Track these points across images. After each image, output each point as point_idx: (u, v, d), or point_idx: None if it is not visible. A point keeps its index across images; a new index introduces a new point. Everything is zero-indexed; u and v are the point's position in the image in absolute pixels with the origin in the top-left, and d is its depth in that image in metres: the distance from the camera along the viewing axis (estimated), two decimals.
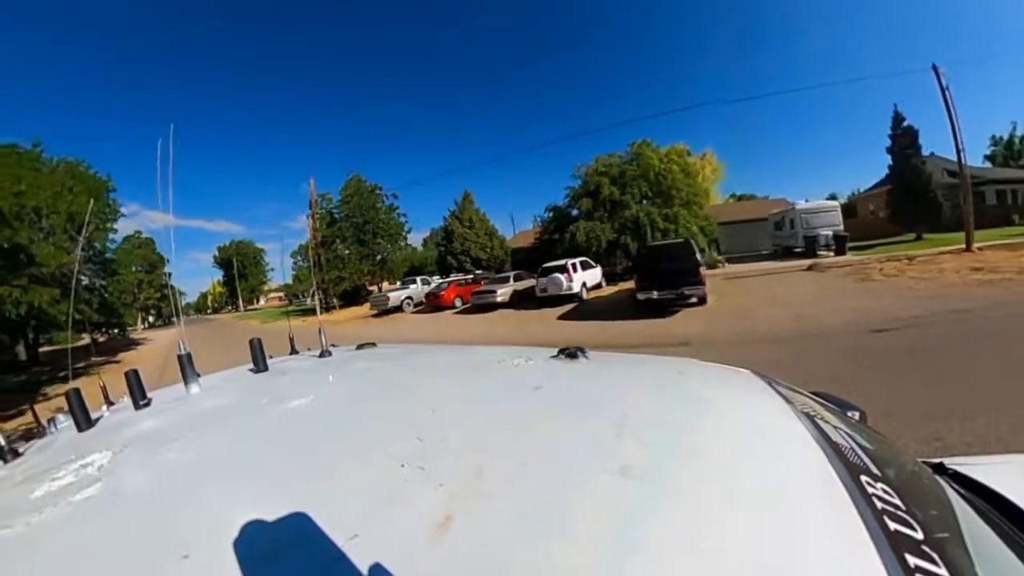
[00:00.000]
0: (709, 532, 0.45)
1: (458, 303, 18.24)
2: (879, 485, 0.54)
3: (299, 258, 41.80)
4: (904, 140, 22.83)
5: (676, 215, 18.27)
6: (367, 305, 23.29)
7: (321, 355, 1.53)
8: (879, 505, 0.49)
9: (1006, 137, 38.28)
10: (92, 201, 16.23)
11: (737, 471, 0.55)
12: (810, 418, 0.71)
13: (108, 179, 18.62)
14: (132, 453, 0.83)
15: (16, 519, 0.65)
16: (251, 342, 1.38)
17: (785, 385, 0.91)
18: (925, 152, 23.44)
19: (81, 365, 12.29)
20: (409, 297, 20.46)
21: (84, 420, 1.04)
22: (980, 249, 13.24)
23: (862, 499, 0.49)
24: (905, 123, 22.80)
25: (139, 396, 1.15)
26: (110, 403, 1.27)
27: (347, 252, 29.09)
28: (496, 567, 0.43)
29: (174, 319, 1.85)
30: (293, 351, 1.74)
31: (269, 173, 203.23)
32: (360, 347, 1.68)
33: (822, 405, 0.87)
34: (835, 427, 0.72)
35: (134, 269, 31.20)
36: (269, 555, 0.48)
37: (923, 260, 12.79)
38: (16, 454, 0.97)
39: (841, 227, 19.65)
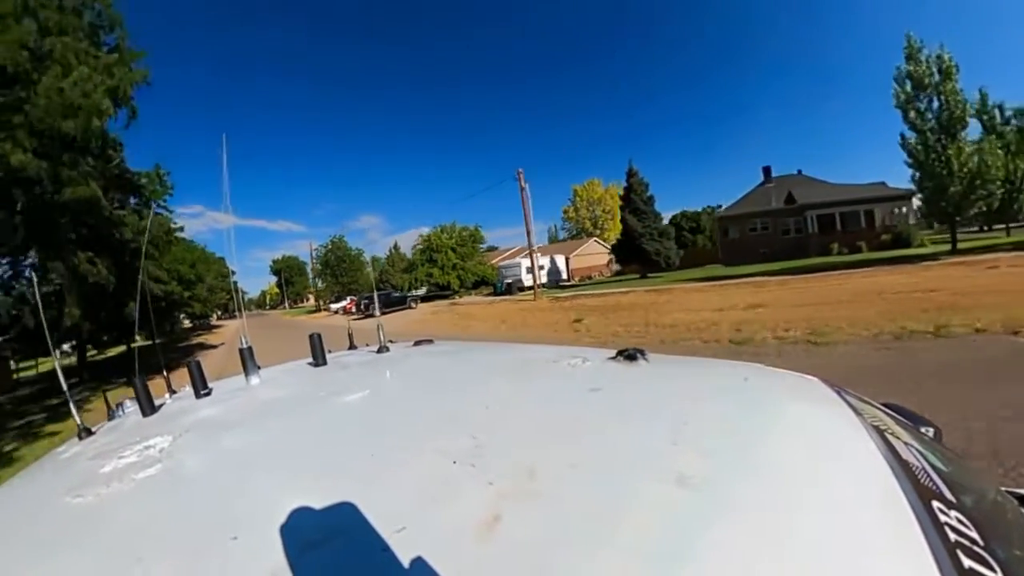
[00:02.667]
0: (764, 552, 0.42)
1: (353, 309, 38.48)
2: (953, 514, 0.49)
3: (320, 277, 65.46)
4: (637, 187, 30.78)
5: (463, 267, 38.36)
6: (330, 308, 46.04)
7: (379, 351, 1.56)
8: (952, 537, 0.44)
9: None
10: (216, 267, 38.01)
11: (799, 488, 0.51)
12: (880, 432, 0.67)
13: (221, 259, 40.41)
14: (191, 438, 0.88)
15: (87, 490, 0.72)
16: (311, 337, 1.43)
17: (854, 395, 0.86)
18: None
19: (198, 334, 33.50)
20: (341, 306, 42.34)
21: (148, 406, 1.12)
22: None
23: (932, 528, 0.44)
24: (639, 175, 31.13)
25: (200, 386, 1.22)
26: (172, 392, 1.37)
27: (329, 280, 53.89)
28: (542, 570, 0.42)
29: (238, 313, 2.09)
30: (352, 346, 1.83)
31: (329, 175, 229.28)
32: (417, 343, 1.71)
33: (893, 419, 0.81)
34: (906, 444, 0.66)
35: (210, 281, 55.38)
36: (315, 543, 0.50)
37: (566, 297, 21.88)
38: (89, 433, 1.08)
39: (520, 278, 33.53)
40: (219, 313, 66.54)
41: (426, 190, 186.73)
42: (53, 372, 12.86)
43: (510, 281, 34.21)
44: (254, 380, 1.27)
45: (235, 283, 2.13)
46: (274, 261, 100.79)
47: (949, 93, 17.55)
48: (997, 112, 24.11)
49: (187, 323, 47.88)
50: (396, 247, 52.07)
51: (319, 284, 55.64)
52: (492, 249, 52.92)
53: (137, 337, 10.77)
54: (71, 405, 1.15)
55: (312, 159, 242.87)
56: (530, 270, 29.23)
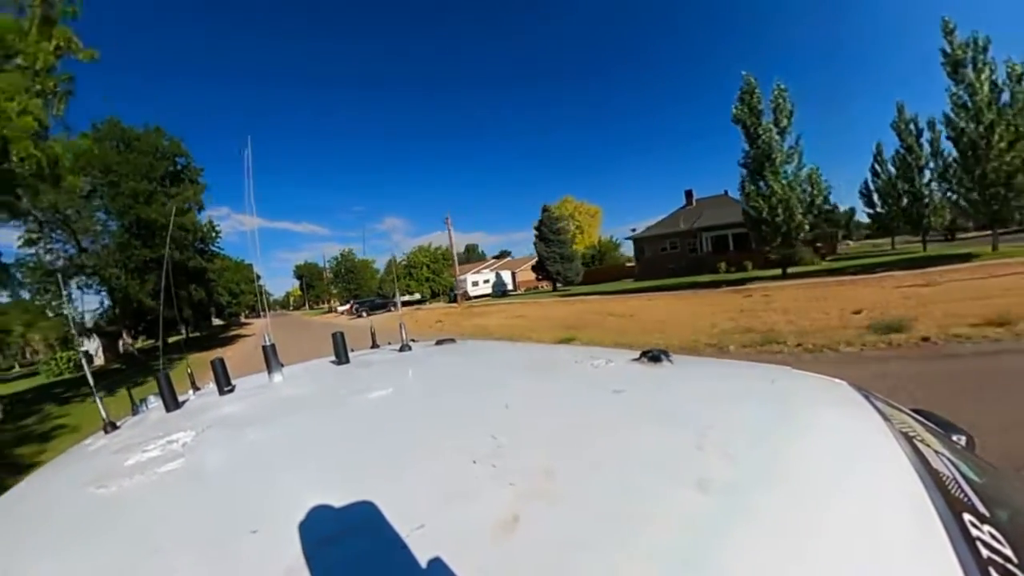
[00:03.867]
0: (786, 563, 0.41)
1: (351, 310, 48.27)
2: (986, 528, 0.46)
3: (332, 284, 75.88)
4: (547, 220, 39.75)
5: (435, 280, 47.81)
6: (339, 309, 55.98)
7: (401, 349, 1.59)
8: (984, 553, 0.42)
9: None
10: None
11: (823, 497, 0.50)
12: (909, 440, 0.64)
13: (249, 266, 50.77)
14: (213, 433, 0.90)
15: (111, 481, 0.74)
16: (334, 335, 1.45)
17: (883, 400, 0.83)
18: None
19: (232, 329, 43.90)
20: (345, 308, 51.90)
21: (172, 402, 1.13)
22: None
23: (963, 543, 0.42)
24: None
25: (224, 382, 1.23)
26: (196, 388, 1.38)
27: (340, 286, 64.09)
28: (559, 572, 0.42)
29: (262, 313, 3.22)
30: (374, 345, 1.85)
31: (354, 178, 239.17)
32: (439, 342, 1.72)
33: (923, 425, 0.79)
34: (937, 453, 0.64)
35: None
36: (334, 539, 0.50)
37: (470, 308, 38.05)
38: (114, 427, 1.10)
39: (467, 289, 43.57)
40: (247, 312, 74.26)
41: (448, 192, 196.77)
42: (166, 345, 23.44)
43: (458, 292, 41.77)
44: (277, 378, 1.30)
45: (260, 287, 2.53)
46: (296, 267, 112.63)
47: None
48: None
49: (219, 321, 59.05)
50: (393, 259, 62.17)
51: (333, 289, 66.26)
52: (465, 263, 63.02)
53: (184, 331, 21.70)
54: (97, 401, 1.17)
55: (337, 162, 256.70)
56: (476, 284, 40.60)
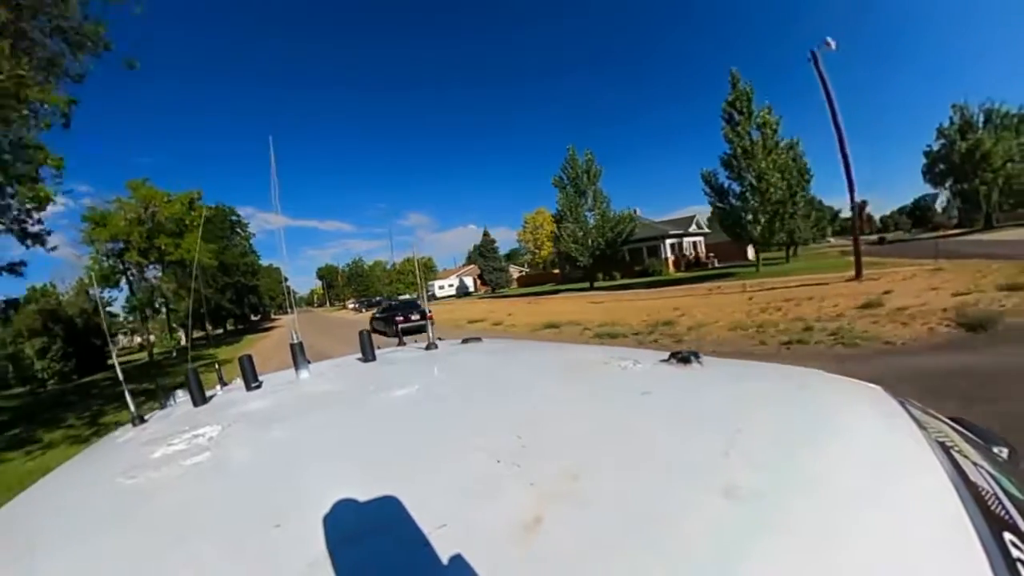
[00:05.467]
0: (812, 574, 0.40)
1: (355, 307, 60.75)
2: None
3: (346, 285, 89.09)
4: (486, 243, 53.65)
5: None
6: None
7: (427, 348, 1.60)
8: None
9: None
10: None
11: (854, 508, 0.48)
12: (946, 450, 0.61)
13: (277, 269, 63.85)
14: (239, 428, 0.91)
15: (138, 473, 0.76)
16: (361, 334, 1.47)
17: (919, 407, 0.80)
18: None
19: (266, 324, 57.02)
20: (354, 305, 64.90)
21: (199, 397, 1.15)
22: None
23: (1003, 563, 0.39)
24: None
25: (251, 379, 1.25)
26: (223, 384, 1.41)
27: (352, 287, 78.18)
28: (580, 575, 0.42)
29: (289, 310, 2.18)
30: (400, 343, 1.87)
31: (379, 175, 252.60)
32: (465, 341, 1.71)
33: (961, 435, 0.75)
34: (976, 465, 0.61)
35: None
36: (356, 536, 0.50)
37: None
38: (142, 420, 1.12)
39: (434, 292, 55.56)
40: (276, 308, 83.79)
41: (471, 187, 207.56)
42: (227, 330, 40.10)
43: (426, 295, 58.72)
44: (303, 374, 1.32)
45: (288, 287, 2.48)
46: (319, 269, 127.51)
47: None
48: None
49: (255, 317, 73.02)
50: (394, 265, 74.22)
51: (347, 290, 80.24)
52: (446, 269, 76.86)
53: (228, 325, 36.85)
54: (127, 396, 1.19)
55: (362, 161, 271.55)
56: (442, 287, 56.18)
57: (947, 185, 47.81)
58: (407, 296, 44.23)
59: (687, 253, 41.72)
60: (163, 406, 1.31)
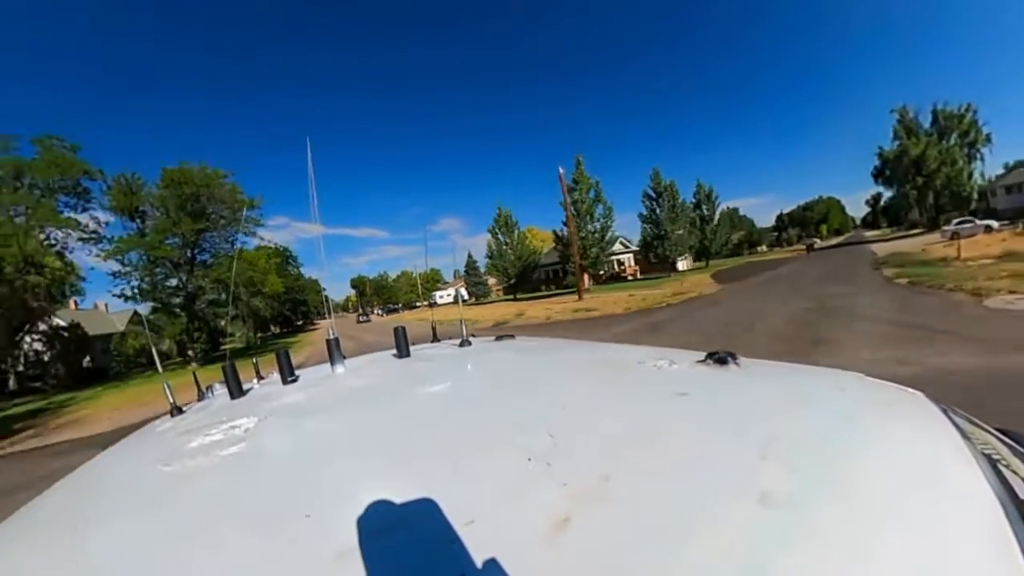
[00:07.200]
0: None
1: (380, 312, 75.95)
2: None
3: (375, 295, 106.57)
4: (470, 265, 60.61)
5: (428, 293, 76.84)
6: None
7: (461, 344, 1.60)
8: None
9: None
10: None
11: (891, 520, 0.46)
12: (992, 463, 0.58)
13: (315, 281, 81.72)
14: (274, 421, 0.93)
15: (175, 461, 0.78)
16: (395, 330, 1.48)
17: (964, 416, 0.77)
18: None
19: (309, 327, 74.10)
20: (378, 310, 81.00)
21: (236, 390, 1.18)
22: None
23: None
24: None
25: (287, 373, 1.27)
26: (260, 378, 1.43)
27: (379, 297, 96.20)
28: None
29: (327, 316, 2.09)
30: (435, 339, 1.90)
31: (412, 181, 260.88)
32: (499, 339, 1.71)
33: (1010, 448, 0.70)
34: None
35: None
36: (384, 528, 0.51)
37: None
38: (180, 411, 1.16)
39: (436, 300, 71.00)
40: (315, 314, 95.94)
41: (502, 192, 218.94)
42: (285, 329, 59.04)
43: (429, 302, 66.26)
44: (339, 369, 1.34)
45: (326, 296, 2.70)
46: (352, 280, 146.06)
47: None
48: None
49: (299, 322, 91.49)
50: (409, 276, 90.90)
51: (375, 299, 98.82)
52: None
53: (273, 328, 53.47)
54: (165, 387, 1.24)
55: (395, 168, 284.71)
56: (442, 296, 69.18)
57: (893, 187, 48.08)
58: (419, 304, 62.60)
59: (603, 270, 53.56)
60: (201, 398, 1.36)
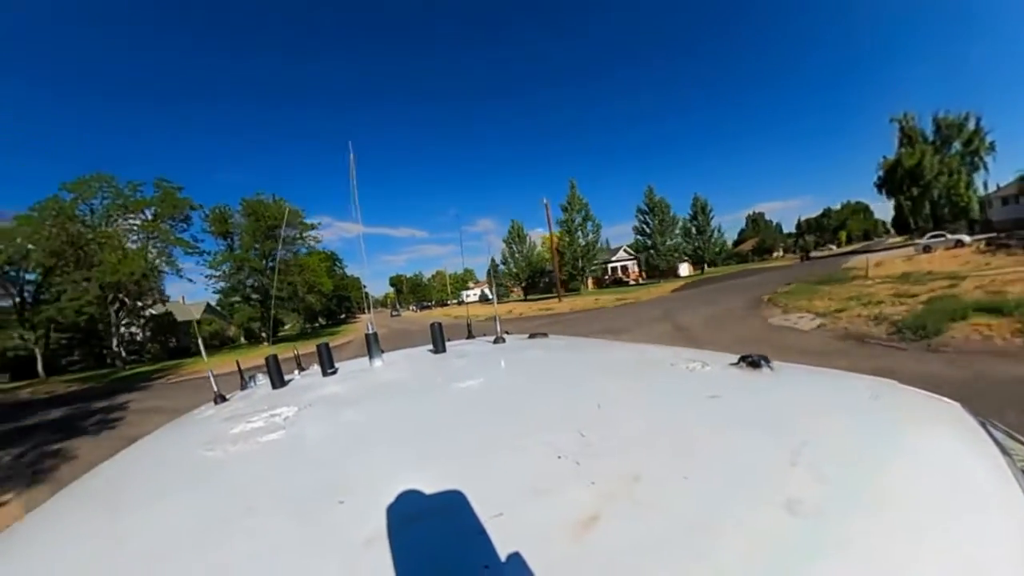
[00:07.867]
0: None
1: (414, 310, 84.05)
2: None
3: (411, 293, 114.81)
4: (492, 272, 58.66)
5: (457, 292, 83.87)
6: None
7: (495, 341, 1.64)
8: None
9: None
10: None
11: (922, 533, 0.45)
12: None
13: (356, 279, 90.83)
14: (314, 410, 0.96)
15: (218, 446, 0.82)
16: (432, 326, 1.53)
17: (1002, 429, 0.74)
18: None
19: (351, 320, 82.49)
20: (413, 307, 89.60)
21: (278, 380, 1.23)
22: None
23: None
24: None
25: (327, 365, 1.32)
26: (301, 369, 1.49)
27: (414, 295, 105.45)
28: None
29: (367, 311, 2.22)
30: (470, 335, 1.93)
31: (450, 182, 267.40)
32: (532, 336, 1.75)
33: None
34: None
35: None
36: (414, 516, 0.52)
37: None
38: (223, 399, 1.21)
39: (464, 299, 77.17)
40: (357, 309, 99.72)
41: (532, 192, 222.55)
42: (334, 317, 67.18)
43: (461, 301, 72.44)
44: (377, 363, 1.40)
45: (366, 293, 2.90)
46: (391, 278, 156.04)
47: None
48: None
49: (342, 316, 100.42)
50: (444, 275, 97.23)
51: (410, 296, 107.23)
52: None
53: (320, 320, 60.71)
54: (210, 377, 1.29)
55: (434, 169, 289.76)
56: (468, 296, 74.98)
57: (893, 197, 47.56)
58: (450, 302, 69.59)
59: (607, 275, 57.85)
60: (243, 387, 1.41)
